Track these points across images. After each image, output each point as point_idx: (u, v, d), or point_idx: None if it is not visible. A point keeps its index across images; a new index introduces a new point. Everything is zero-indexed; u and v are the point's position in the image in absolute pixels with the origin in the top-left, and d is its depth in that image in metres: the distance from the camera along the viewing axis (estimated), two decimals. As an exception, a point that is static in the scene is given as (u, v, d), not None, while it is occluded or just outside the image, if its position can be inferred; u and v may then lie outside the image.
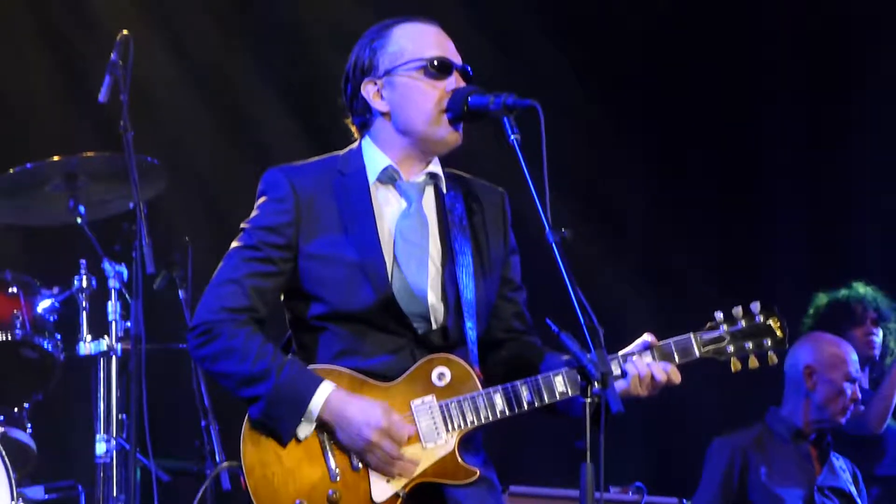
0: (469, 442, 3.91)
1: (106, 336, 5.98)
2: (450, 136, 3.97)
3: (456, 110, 3.94)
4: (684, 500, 6.47)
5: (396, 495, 3.83)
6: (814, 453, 6.40)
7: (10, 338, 6.09)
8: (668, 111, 8.61)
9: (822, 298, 7.28)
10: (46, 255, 7.10)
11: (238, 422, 3.89)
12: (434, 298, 3.94)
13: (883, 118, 8.47)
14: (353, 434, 3.80)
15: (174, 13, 8.02)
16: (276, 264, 3.91)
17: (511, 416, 3.88)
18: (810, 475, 6.33)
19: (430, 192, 4.05)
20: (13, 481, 5.37)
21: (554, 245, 3.68)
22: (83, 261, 6.13)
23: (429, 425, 3.85)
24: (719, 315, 4.00)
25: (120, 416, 5.93)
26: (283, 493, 3.81)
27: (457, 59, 4.00)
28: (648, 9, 8.59)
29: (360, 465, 3.85)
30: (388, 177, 4.00)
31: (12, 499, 5.33)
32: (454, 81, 3.97)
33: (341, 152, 4.06)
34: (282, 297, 4.00)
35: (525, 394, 3.88)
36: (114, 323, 5.96)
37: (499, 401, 3.87)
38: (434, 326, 3.93)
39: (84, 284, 6.10)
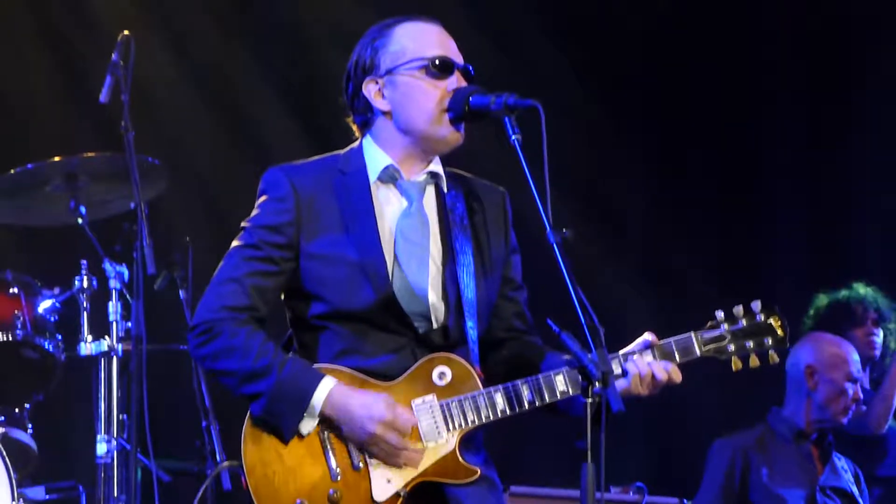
0: (470, 441, 3.91)
1: (107, 336, 5.98)
2: (451, 135, 3.97)
3: (457, 110, 3.94)
4: (685, 501, 6.47)
5: (397, 494, 3.83)
6: (815, 453, 6.40)
7: (10, 338, 6.08)
8: (668, 111, 8.62)
9: (822, 299, 7.28)
10: (47, 256, 7.10)
11: (239, 422, 3.89)
12: (435, 297, 3.94)
13: (883, 118, 8.47)
14: (357, 428, 3.80)
15: (174, 13, 8.03)
16: (277, 263, 3.91)
17: (512, 416, 3.89)
18: (812, 475, 6.33)
19: (430, 192, 4.05)
20: (14, 482, 5.37)
21: (555, 245, 3.68)
22: (84, 261, 6.13)
23: (429, 424, 3.85)
24: (720, 314, 4.01)
25: (121, 417, 5.93)
26: (283, 493, 3.81)
27: (458, 58, 4.01)
28: (648, 9, 8.60)
29: (361, 464, 3.85)
30: (389, 176, 4.01)
31: (13, 499, 5.33)
32: (456, 81, 3.97)
33: (342, 151, 4.07)
34: (282, 297, 4.00)
35: (526, 393, 3.88)
36: (115, 323, 5.97)
37: (500, 400, 3.88)
38: (435, 326, 3.93)
39: (85, 285, 6.10)
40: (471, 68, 4.02)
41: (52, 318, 6.20)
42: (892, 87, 8.39)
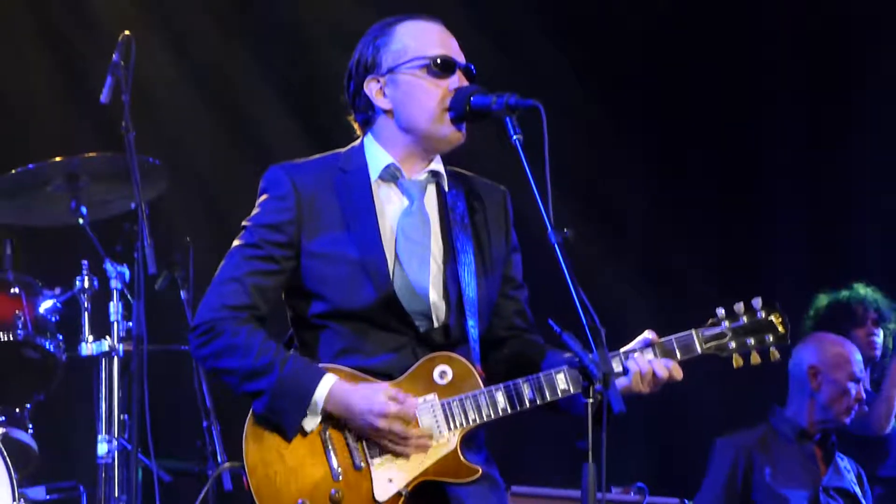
0: (471, 440, 3.91)
1: (108, 336, 5.98)
2: (452, 134, 3.97)
3: (458, 109, 3.94)
4: (686, 501, 6.47)
5: (399, 494, 3.83)
6: (818, 453, 6.40)
7: (12, 338, 6.08)
8: (668, 111, 8.62)
9: (822, 300, 7.28)
10: (48, 256, 7.10)
11: (239, 422, 3.89)
12: (436, 296, 3.95)
13: (883, 118, 8.47)
14: (362, 423, 3.81)
15: (174, 13, 8.02)
16: (278, 262, 3.91)
17: (513, 414, 3.89)
18: (815, 475, 6.33)
19: (431, 191, 4.06)
20: (15, 482, 5.36)
21: (556, 245, 3.68)
22: (85, 261, 6.13)
23: (431, 424, 3.85)
24: (721, 311, 4.01)
25: (121, 417, 5.93)
26: (285, 493, 3.81)
27: (460, 57, 4.01)
28: (648, 9, 8.60)
29: (363, 464, 3.85)
30: (390, 174, 4.01)
31: (14, 499, 5.33)
32: (457, 80, 3.98)
33: (343, 150, 4.07)
34: (283, 296, 4.00)
35: (527, 391, 3.88)
36: (115, 323, 5.96)
37: (501, 399, 3.88)
38: (436, 324, 3.94)
39: (86, 285, 6.10)
40: (472, 68, 4.03)
41: (53, 318, 6.20)
42: (892, 87, 8.39)
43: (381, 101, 3.99)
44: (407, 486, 3.84)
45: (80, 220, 6.11)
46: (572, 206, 7.71)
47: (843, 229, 8.54)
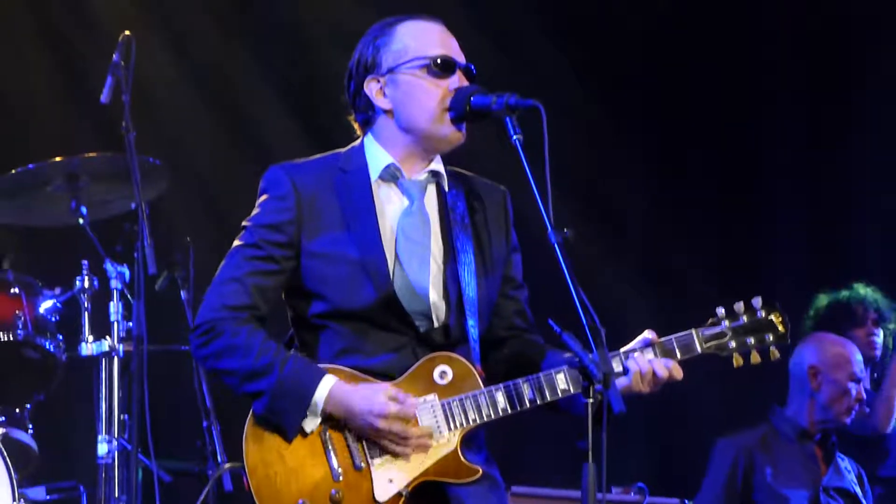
0: (471, 440, 3.91)
1: (108, 337, 5.98)
2: (452, 134, 3.97)
3: (458, 109, 3.94)
4: (686, 501, 6.47)
5: (399, 494, 3.83)
6: (819, 454, 6.40)
7: (11, 338, 6.07)
8: (668, 111, 8.61)
9: (822, 300, 7.28)
10: (48, 256, 7.10)
11: (239, 422, 3.89)
12: (436, 296, 3.95)
13: (883, 118, 8.47)
14: (362, 423, 3.81)
15: (174, 13, 8.02)
16: (278, 262, 3.91)
17: (513, 414, 3.89)
18: (815, 475, 6.33)
19: (432, 191, 4.06)
20: (15, 482, 5.36)
21: (556, 245, 3.68)
22: (85, 261, 6.12)
23: (431, 424, 3.85)
24: (721, 311, 4.01)
25: (122, 417, 5.92)
26: (285, 493, 3.81)
27: (460, 57, 4.01)
28: (648, 9, 8.60)
29: (363, 464, 3.85)
30: (391, 174, 4.01)
31: (14, 499, 5.33)
32: (457, 80, 3.98)
33: (343, 150, 4.07)
34: (283, 296, 4.00)
35: (527, 391, 3.88)
36: (116, 323, 5.96)
37: (501, 399, 3.88)
38: (436, 324, 3.94)
39: (86, 285, 6.10)
40: (472, 68, 4.03)
41: (54, 319, 6.19)
42: (892, 87, 8.39)
43: (381, 101, 3.99)
44: (407, 486, 3.84)
45: (81, 220, 6.11)
46: (572, 206, 7.71)
47: (843, 229, 8.54)
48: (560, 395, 3.88)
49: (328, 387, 3.81)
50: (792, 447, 6.38)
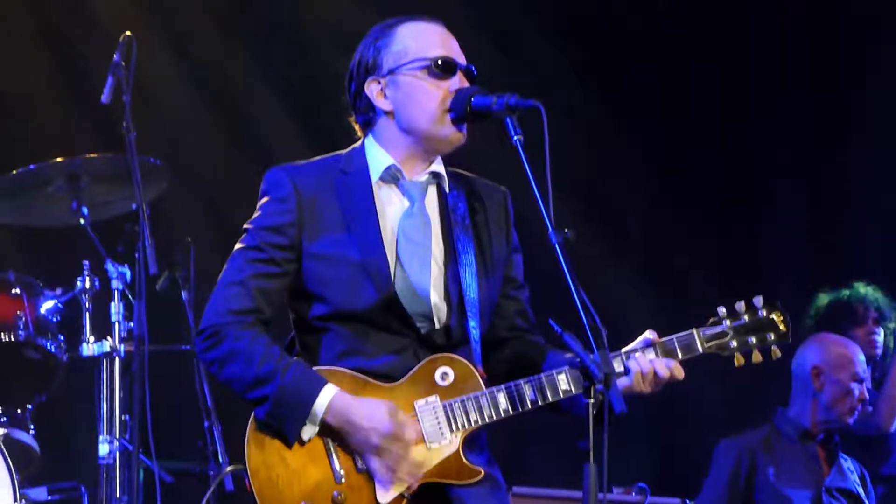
0: (473, 441, 3.91)
1: (109, 337, 5.97)
2: (453, 135, 3.98)
3: (459, 110, 3.94)
4: (687, 501, 6.47)
5: (401, 496, 3.83)
6: (822, 454, 6.39)
7: (13, 339, 6.07)
8: (668, 111, 8.62)
9: (823, 299, 7.29)
10: (49, 257, 7.10)
11: (241, 422, 3.90)
12: (437, 298, 3.95)
13: (883, 118, 8.48)
14: (361, 439, 3.81)
15: (174, 13, 8.02)
16: (280, 265, 3.91)
17: (514, 415, 3.89)
18: (818, 476, 6.33)
19: (432, 192, 4.06)
20: (16, 482, 5.36)
21: (557, 246, 3.68)
22: (86, 262, 6.12)
23: (433, 425, 3.86)
24: (722, 310, 4.01)
25: (123, 417, 5.92)
26: (287, 495, 3.81)
27: (461, 58, 4.01)
28: (648, 9, 8.60)
29: (365, 466, 3.85)
30: (391, 176, 4.01)
31: (15, 500, 5.32)
32: (458, 81, 3.98)
33: (343, 151, 4.07)
34: (285, 298, 4.00)
35: (529, 392, 3.88)
36: (117, 324, 5.95)
37: (502, 400, 3.88)
38: (437, 326, 3.94)
39: (87, 285, 6.09)
40: (473, 69, 4.03)
41: (55, 319, 6.19)
42: (892, 87, 8.39)
43: (381, 103, 4.00)
44: (409, 488, 3.84)
45: (81, 221, 6.11)
46: (573, 206, 7.71)
47: (843, 229, 8.54)
48: (562, 395, 3.88)
49: (329, 397, 3.81)
50: (794, 448, 6.38)
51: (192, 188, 7.66)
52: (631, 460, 7.70)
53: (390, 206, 4.00)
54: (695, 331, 3.99)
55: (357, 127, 4.10)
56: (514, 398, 3.88)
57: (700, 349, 3.98)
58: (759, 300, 4.03)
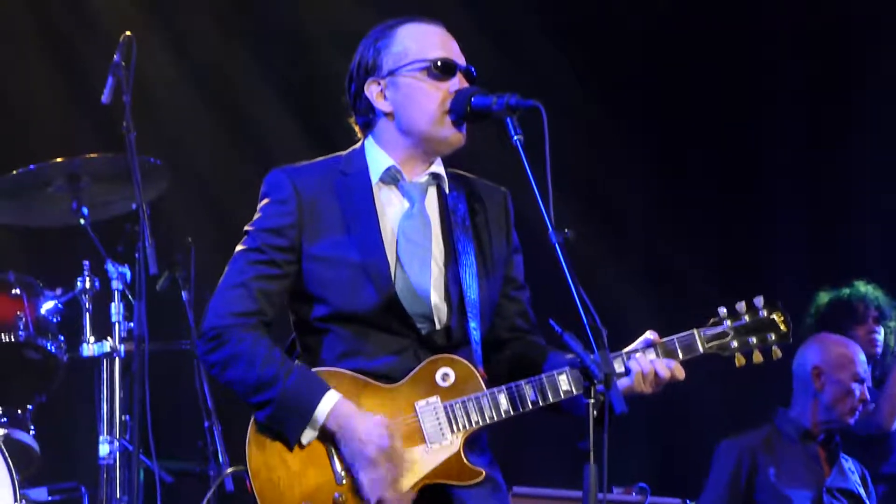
0: (474, 442, 3.91)
1: (109, 337, 5.97)
2: (453, 136, 3.98)
3: (459, 111, 3.94)
4: (688, 501, 6.47)
5: (403, 497, 3.84)
6: (822, 454, 6.39)
7: (13, 339, 6.07)
8: (668, 111, 8.62)
9: (823, 297, 7.29)
10: (49, 257, 7.11)
11: (241, 423, 3.90)
12: (437, 298, 3.95)
13: (883, 118, 8.48)
14: (356, 449, 3.80)
15: (174, 13, 8.03)
16: (281, 266, 3.91)
17: (516, 416, 3.89)
18: (819, 476, 6.33)
19: (432, 193, 4.06)
20: (16, 483, 5.36)
21: (557, 246, 3.69)
22: (86, 262, 6.12)
23: (433, 426, 3.86)
24: (723, 311, 4.02)
25: (123, 418, 5.92)
26: (288, 496, 3.81)
27: (461, 59, 4.01)
28: (648, 9, 8.60)
29: (354, 476, 3.84)
30: (391, 177, 4.01)
31: (15, 500, 5.32)
32: (458, 82, 3.98)
33: (343, 153, 4.07)
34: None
35: (529, 393, 3.88)
36: (117, 324, 5.95)
37: (503, 401, 3.88)
38: (438, 327, 3.94)
39: (87, 286, 6.09)
40: (473, 70, 4.03)
41: (55, 319, 6.19)
42: (892, 87, 8.40)
43: (381, 104, 4.00)
44: (411, 489, 3.84)
45: (82, 221, 6.11)
46: (573, 206, 7.71)
47: (843, 229, 8.55)
48: (562, 396, 3.89)
49: (331, 403, 3.81)
50: (795, 448, 6.38)
51: (192, 188, 7.66)
52: (631, 460, 7.70)
53: (390, 208, 4.00)
54: (695, 331, 3.99)
55: (357, 128, 4.09)
56: (515, 399, 3.88)
57: (701, 349, 3.98)
58: (759, 300, 4.04)
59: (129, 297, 5.91)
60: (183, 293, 6.30)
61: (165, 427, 5.47)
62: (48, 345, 6.14)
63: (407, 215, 4.00)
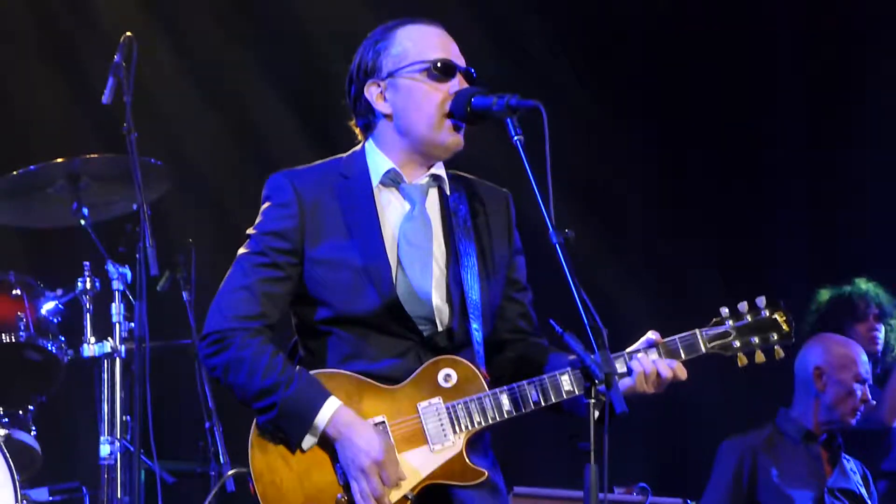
0: (477, 443, 3.91)
1: (110, 338, 5.97)
2: (451, 140, 3.97)
3: (459, 112, 3.94)
4: (689, 501, 6.47)
5: (405, 497, 3.83)
6: (824, 455, 6.39)
7: (13, 340, 6.08)
8: (668, 111, 8.62)
9: (824, 294, 7.30)
10: (50, 257, 7.11)
11: (242, 423, 3.90)
12: (439, 300, 3.94)
13: (883, 118, 8.48)
14: (351, 456, 3.80)
15: (175, 14, 8.03)
16: (284, 269, 3.91)
17: (518, 416, 3.89)
18: (821, 477, 6.32)
19: (433, 194, 4.06)
20: (17, 483, 5.37)
21: (557, 246, 3.69)
22: (87, 262, 6.12)
23: (436, 427, 3.86)
24: (725, 311, 4.02)
25: (124, 418, 5.91)
26: (291, 498, 3.81)
27: (460, 61, 4.01)
28: (648, 9, 8.60)
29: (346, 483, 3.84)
30: (392, 179, 4.01)
31: (17, 501, 5.33)
32: (457, 83, 3.98)
33: (344, 155, 4.07)
34: (286, 303, 4.01)
35: (532, 394, 3.88)
36: (117, 325, 5.94)
37: (505, 401, 3.88)
38: (440, 328, 3.93)
39: (88, 286, 6.09)
40: (473, 71, 4.02)
41: (55, 320, 6.20)
42: (892, 87, 8.40)
43: (381, 106, 3.99)
44: (413, 489, 3.84)
45: (82, 222, 6.11)
46: (572, 206, 7.71)
47: (843, 229, 8.55)
48: (565, 396, 3.89)
49: (331, 411, 3.81)
50: (797, 448, 6.37)
51: (193, 189, 7.66)
52: (632, 460, 7.70)
53: (391, 210, 3.99)
54: (697, 331, 3.99)
55: (357, 130, 4.09)
56: (518, 399, 3.88)
57: (703, 349, 3.99)
58: (761, 300, 4.04)
59: (130, 297, 5.91)
60: (184, 294, 6.31)
61: (166, 427, 5.48)
62: (49, 345, 6.14)
63: (408, 217, 3.99)
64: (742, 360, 4.01)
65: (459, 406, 3.87)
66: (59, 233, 6.58)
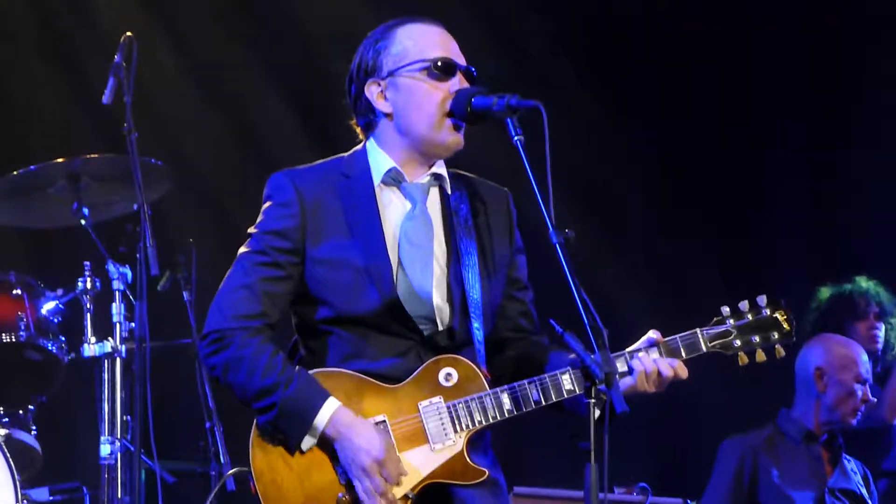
0: (478, 442, 3.92)
1: (110, 338, 5.97)
2: (451, 140, 3.97)
3: (459, 111, 3.94)
4: (689, 501, 6.47)
5: (406, 496, 3.83)
6: (825, 455, 6.38)
7: (14, 339, 6.09)
8: (668, 111, 8.62)
9: (824, 293, 7.30)
10: (50, 257, 7.11)
11: (242, 423, 3.90)
12: (439, 300, 3.95)
13: (883, 118, 8.48)
14: (351, 456, 3.80)
15: (176, 14, 8.03)
16: (285, 269, 3.91)
17: (519, 415, 3.89)
18: (821, 477, 6.32)
19: (434, 193, 4.06)
20: (18, 483, 5.37)
21: (558, 246, 3.69)
22: (87, 262, 6.12)
23: (437, 426, 3.86)
24: (726, 309, 4.02)
25: (124, 418, 5.92)
26: (292, 498, 3.81)
27: (461, 59, 4.01)
28: (648, 9, 8.60)
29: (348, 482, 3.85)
30: (393, 178, 4.01)
31: (17, 501, 5.33)
32: (458, 82, 3.98)
33: (345, 154, 4.07)
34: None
35: (532, 393, 3.88)
36: (118, 325, 5.95)
37: (506, 400, 3.88)
38: (440, 328, 3.94)
39: (88, 286, 6.09)
40: (473, 70, 4.03)
41: (56, 320, 6.20)
42: (892, 87, 8.40)
43: (381, 105, 4.00)
44: (413, 488, 3.85)
45: (83, 222, 6.11)
46: (572, 206, 7.71)
47: (843, 229, 8.55)
48: (565, 395, 3.89)
49: (330, 412, 3.81)
50: (798, 449, 6.37)
51: (193, 189, 7.66)
52: (632, 460, 7.70)
53: (392, 209, 4.00)
54: (698, 330, 3.99)
55: (358, 130, 4.09)
56: (518, 399, 3.88)
57: (704, 348, 3.99)
58: (762, 299, 4.04)
59: (131, 297, 5.91)
60: (184, 294, 6.31)
61: (167, 427, 5.48)
62: (49, 345, 6.15)
63: (409, 217, 3.99)
64: (743, 359, 4.01)
65: (460, 405, 3.87)
66: (59, 233, 6.58)
